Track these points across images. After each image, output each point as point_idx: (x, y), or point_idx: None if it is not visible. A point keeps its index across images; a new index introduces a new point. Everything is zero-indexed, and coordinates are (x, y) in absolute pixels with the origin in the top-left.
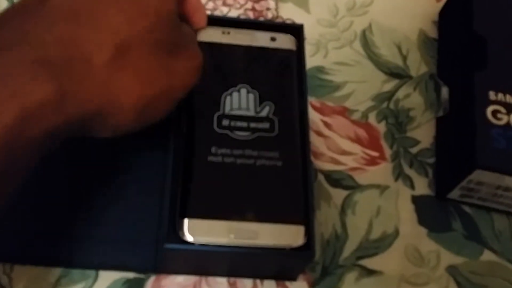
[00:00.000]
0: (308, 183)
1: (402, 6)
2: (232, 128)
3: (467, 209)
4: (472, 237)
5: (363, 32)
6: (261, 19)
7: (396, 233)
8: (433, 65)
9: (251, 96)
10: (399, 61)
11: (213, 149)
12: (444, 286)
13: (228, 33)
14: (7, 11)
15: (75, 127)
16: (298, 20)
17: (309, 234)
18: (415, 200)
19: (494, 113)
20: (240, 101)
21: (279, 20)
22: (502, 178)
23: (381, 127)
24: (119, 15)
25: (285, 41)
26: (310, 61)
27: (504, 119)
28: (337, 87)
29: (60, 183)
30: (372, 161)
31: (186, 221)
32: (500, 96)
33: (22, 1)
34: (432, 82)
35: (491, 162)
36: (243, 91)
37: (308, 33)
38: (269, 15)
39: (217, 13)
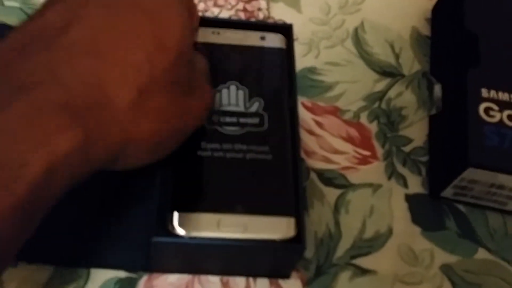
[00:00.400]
0: (298, 176)
1: (395, 4)
2: (221, 124)
3: (461, 207)
4: (466, 236)
5: (355, 30)
6: (253, 19)
7: (390, 232)
8: (426, 63)
9: (240, 92)
10: (391, 60)
11: (202, 144)
12: (438, 285)
13: (218, 33)
14: (24, 35)
15: (96, 168)
16: (289, 20)
17: (300, 226)
18: (409, 198)
19: (487, 110)
20: (229, 97)
21: (270, 20)
22: (495, 176)
23: (373, 127)
24: (140, 51)
25: (274, 40)
26: (302, 62)
27: (496, 116)
28: (329, 87)
29: None
30: (364, 160)
31: (176, 214)
32: (493, 93)
33: (40, 26)
34: (425, 80)
35: (483, 160)
36: (233, 88)
37: (299, 32)
38: (261, 16)
39: (208, 14)
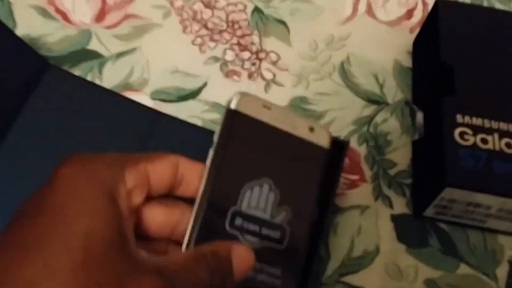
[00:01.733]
0: None
1: (378, 38)
2: (243, 230)
3: (443, 226)
4: (448, 252)
5: (342, 64)
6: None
7: (377, 250)
8: (408, 92)
9: (271, 195)
10: (376, 89)
11: None
12: None
13: (270, 108)
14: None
15: None
16: (280, 53)
17: None
18: (394, 218)
19: (462, 134)
20: (259, 199)
21: (262, 53)
22: (471, 195)
23: (362, 150)
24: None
25: (321, 137)
26: (293, 92)
27: (470, 140)
28: (320, 115)
29: None
30: (352, 184)
31: None
32: (467, 119)
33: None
34: (407, 108)
35: (459, 180)
36: (265, 188)
37: (290, 64)
38: (254, 49)
39: (204, 48)
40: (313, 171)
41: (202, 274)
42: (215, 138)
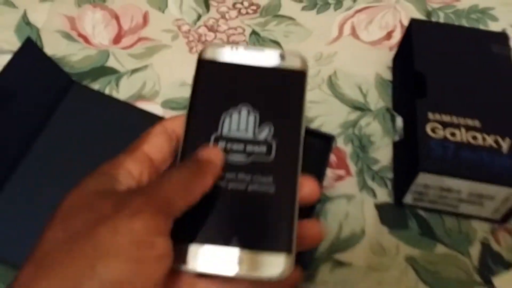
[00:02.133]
0: (294, 211)
1: (361, 56)
2: (228, 151)
3: (421, 212)
4: (426, 234)
5: (330, 77)
6: None
7: (362, 232)
8: (389, 101)
9: (251, 117)
10: (360, 98)
11: None
12: (403, 271)
13: (236, 49)
14: None
15: None
16: None
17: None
18: (377, 206)
19: (433, 129)
20: (239, 122)
21: None
22: (442, 179)
23: (348, 149)
24: None
25: (293, 60)
26: None
27: (441, 133)
28: (310, 120)
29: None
30: (339, 178)
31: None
32: (437, 116)
33: None
34: (388, 114)
35: (430, 166)
36: (244, 112)
37: None
38: None
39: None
40: (292, 91)
41: (185, 175)
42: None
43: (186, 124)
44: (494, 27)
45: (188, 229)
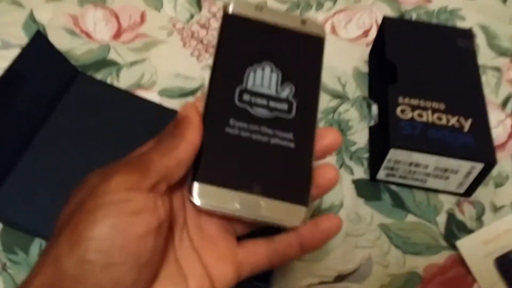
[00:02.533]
0: (311, 167)
1: (341, 51)
2: (252, 104)
3: (393, 187)
4: (397, 206)
5: None
6: None
7: (341, 204)
8: (365, 91)
9: (274, 75)
10: (339, 88)
11: (231, 121)
12: (377, 237)
13: (261, 9)
14: None
15: None
16: None
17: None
18: (354, 182)
19: (402, 111)
20: (263, 78)
21: None
22: (411, 155)
23: None
24: None
25: (314, 27)
26: None
27: (409, 115)
28: None
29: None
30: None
31: (196, 184)
32: (406, 100)
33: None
34: (365, 102)
35: (400, 142)
36: (267, 69)
37: None
38: None
39: (200, 58)
40: (312, 55)
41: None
42: (215, 40)
43: (211, 76)
44: (462, 26)
45: (213, 173)
